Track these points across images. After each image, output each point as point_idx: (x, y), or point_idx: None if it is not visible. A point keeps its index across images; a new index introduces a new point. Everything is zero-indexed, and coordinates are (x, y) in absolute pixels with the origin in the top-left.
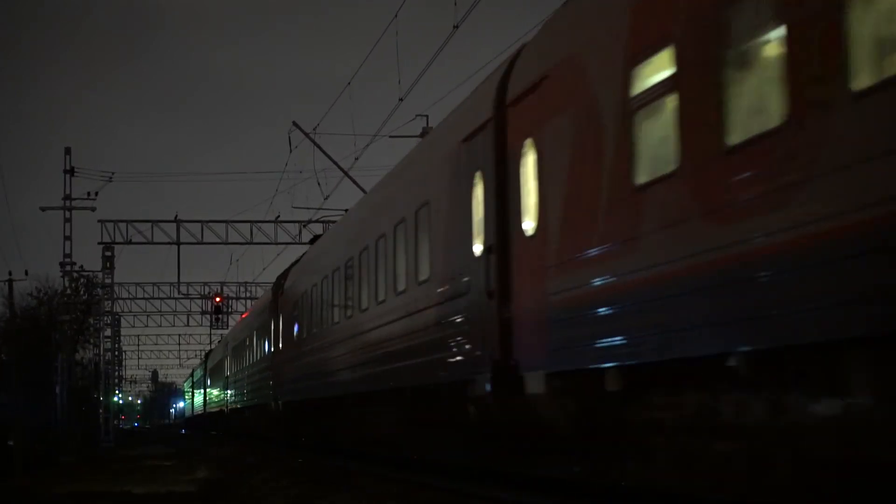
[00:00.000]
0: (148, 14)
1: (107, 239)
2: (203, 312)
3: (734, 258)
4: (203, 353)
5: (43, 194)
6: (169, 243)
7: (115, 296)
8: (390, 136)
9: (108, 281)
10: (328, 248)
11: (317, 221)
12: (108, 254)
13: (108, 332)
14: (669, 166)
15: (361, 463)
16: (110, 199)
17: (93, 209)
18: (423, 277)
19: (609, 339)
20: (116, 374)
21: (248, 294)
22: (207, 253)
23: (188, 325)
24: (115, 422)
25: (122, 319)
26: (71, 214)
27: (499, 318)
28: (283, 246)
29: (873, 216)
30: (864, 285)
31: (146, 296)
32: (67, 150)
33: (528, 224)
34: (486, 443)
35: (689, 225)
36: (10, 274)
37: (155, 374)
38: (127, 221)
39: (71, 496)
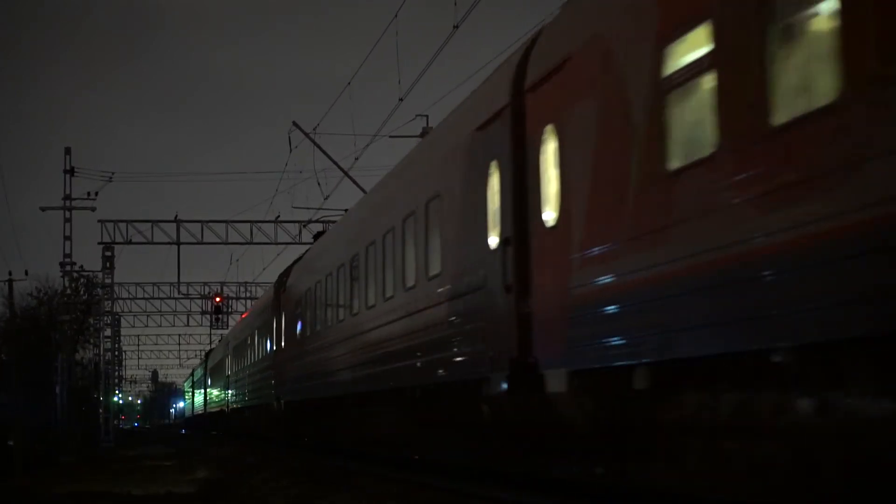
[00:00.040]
0: (148, 14)
1: (107, 239)
2: (203, 312)
3: (776, 247)
4: (203, 353)
5: (43, 194)
6: (169, 243)
7: (115, 296)
8: (390, 136)
9: (108, 281)
10: (332, 245)
11: (317, 221)
12: (108, 254)
13: (108, 332)
14: (707, 150)
15: (361, 463)
16: (110, 199)
17: (93, 209)
18: (433, 272)
19: (639, 335)
20: (116, 374)
21: (248, 294)
22: (207, 253)
23: (188, 325)
24: (115, 422)
25: (122, 319)
26: (71, 214)
27: (517, 313)
28: (283, 246)
29: None
30: None
31: (146, 296)
32: (67, 150)
33: (549, 215)
34: (499, 443)
35: (730, 211)
36: (10, 274)
37: (155, 374)
38: (127, 221)
39: (71, 496)
